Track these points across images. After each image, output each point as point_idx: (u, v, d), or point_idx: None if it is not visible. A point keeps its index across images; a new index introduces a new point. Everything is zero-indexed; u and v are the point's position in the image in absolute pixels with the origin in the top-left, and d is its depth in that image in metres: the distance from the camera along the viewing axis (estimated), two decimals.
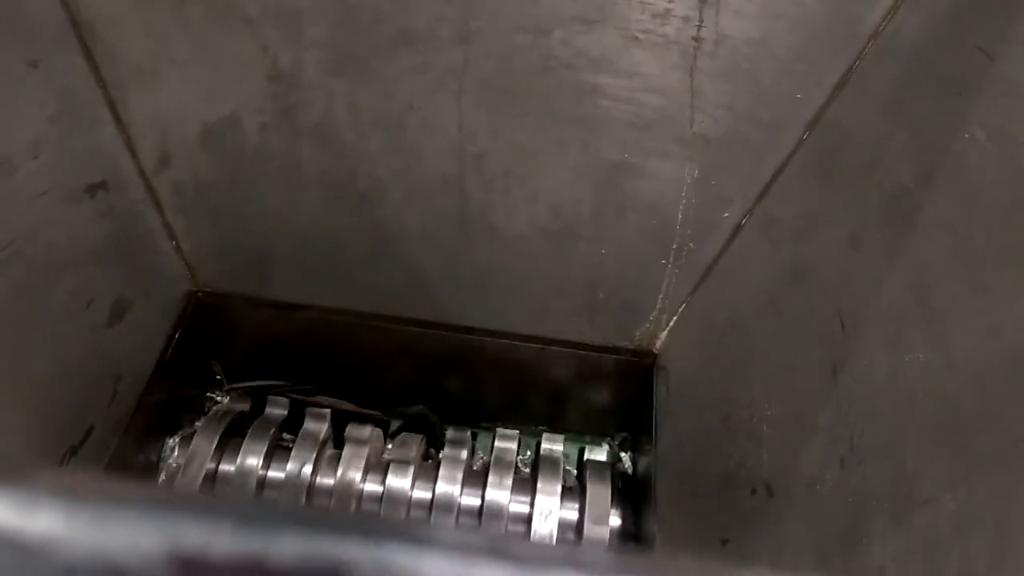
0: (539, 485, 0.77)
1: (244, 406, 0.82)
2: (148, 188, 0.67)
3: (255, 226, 0.71)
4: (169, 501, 0.18)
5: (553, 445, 0.82)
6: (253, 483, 0.75)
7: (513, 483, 0.77)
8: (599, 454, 0.83)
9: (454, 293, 0.75)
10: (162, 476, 0.77)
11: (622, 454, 0.85)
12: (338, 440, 0.79)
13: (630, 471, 0.83)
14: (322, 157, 0.65)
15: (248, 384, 0.83)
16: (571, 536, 0.76)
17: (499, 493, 0.76)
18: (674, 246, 0.67)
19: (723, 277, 0.68)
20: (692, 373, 0.75)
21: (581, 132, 0.60)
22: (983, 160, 0.43)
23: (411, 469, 0.76)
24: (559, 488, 0.77)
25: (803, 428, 0.59)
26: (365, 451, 0.77)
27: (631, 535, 0.76)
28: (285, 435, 0.81)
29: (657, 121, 0.58)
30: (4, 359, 0.58)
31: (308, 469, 0.75)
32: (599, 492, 0.77)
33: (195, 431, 0.78)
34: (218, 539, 0.17)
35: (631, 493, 0.80)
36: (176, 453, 0.77)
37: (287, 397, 0.82)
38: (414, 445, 0.79)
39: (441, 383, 0.84)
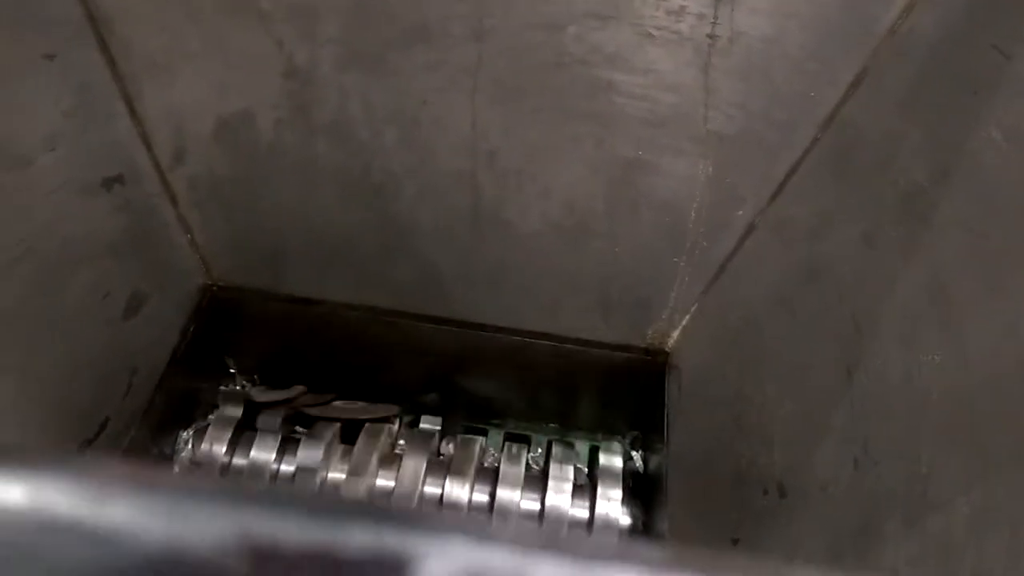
0: (550, 483, 0.77)
1: (258, 402, 0.82)
2: (163, 182, 0.68)
3: (269, 221, 0.71)
4: (240, 492, 0.18)
5: (564, 443, 0.82)
6: (266, 476, 0.76)
7: (524, 480, 0.77)
8: (611, 452, 0.83)
9: (467, 289, 0.75)
10: (176, 469, 0.77)
11: (633, 452, 0.85)
12: (348, 434, 0.80)
13: (641, 469, 0.83)
14: (336, 153, 0.65)
15: (264, 381, 0.83)
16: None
17: (510, 491, 0.76)
18: (687, 244, 0.67)
19: (736, 275, 0.68)
20: (704, 371, 0.75)
21: (595, 129, 0.60)
22: (999, 159, 0.43)
23: (423, 464, 0.76)
24: (570, 486, 0.77)
25: (816, 428, 0.59)
26: (376, 446, 0.77)
27: (642, 534, 0.76)
28: (298, 428, 0.81)
29: (671, 118, 0.58)
30: (20, 352, 0.58)
31: (319, 463, 0.76)
32: (610, 490, 0.77)
33: (208, 424, 0.78)
34: (288, 530, 0.17)
35: (642, 491, 0.80)
36: (190, 446, 0.78)
37: (298, 394, 0.83)
38: (424, 440, 0.79)
39: (453, 379, 0.85)
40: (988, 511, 0.40)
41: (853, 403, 0.55)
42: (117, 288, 0.67)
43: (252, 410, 0.81)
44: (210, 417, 0.80)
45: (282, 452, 0.77)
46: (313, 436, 0.77)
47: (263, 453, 0.76)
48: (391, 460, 0.78)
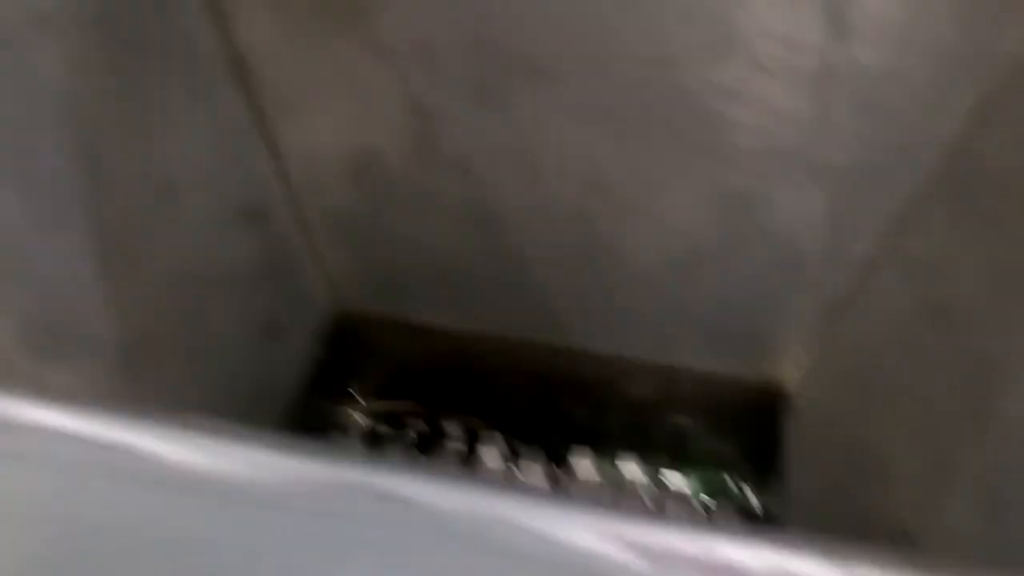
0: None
1: (382, 425, 0.85)
2: (297, 214, 0.72)
3: (393, 250, 0.75)
4: None
5: (676, 477, 0.81)
6: None
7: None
8: (723, 489, 0.81)
9: (578, 317, 0.76)
10: None
11: (746, 490, 0.83)
12: (466, 457, 0.82)
13: (755, 509, 0.81)
14: (455, 185, 0.68)
15: (385, 406, 0.86)
16: None
17: None
18: (803, 278, 0.66)
19: (856, 312, 0.66)
20: (823, 410, 0.73)
21: (709, 161, 0.61)
22: None
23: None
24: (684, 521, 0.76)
25: (946, 474, 0.56)
26: (494, 470, 0.79)
27: None
28: (421, 454, 0.84)
29: (786, 150, 0.58)
30: (172, 378, 0.63)
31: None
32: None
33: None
34: None
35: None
36: None
37: (420, 418, 0.85)
38: (540, 468, 0.80)
39: (563, 407, 0.85)
40: None
41: (986, 449, 0.52)
42: (256, 314, 0.72)
43: (373, 431, 0.84)
44: (336, 438, 0.83)
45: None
46: (435, 459, 0.79)
47: None
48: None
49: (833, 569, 0.20)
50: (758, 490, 0.82)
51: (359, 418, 0.86)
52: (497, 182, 0.67)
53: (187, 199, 0.61)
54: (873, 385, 0.66)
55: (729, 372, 0.77)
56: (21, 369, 0.52)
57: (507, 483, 0.78)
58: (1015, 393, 0.50)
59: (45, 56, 0.51)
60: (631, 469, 0.81)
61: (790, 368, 0.75)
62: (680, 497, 0.78)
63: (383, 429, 0.86)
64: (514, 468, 0.83)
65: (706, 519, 0.78)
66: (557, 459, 0.85)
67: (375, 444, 0.83)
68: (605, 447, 0.88)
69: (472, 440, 0.83)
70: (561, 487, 0.80)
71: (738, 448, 0.83)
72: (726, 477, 0.84)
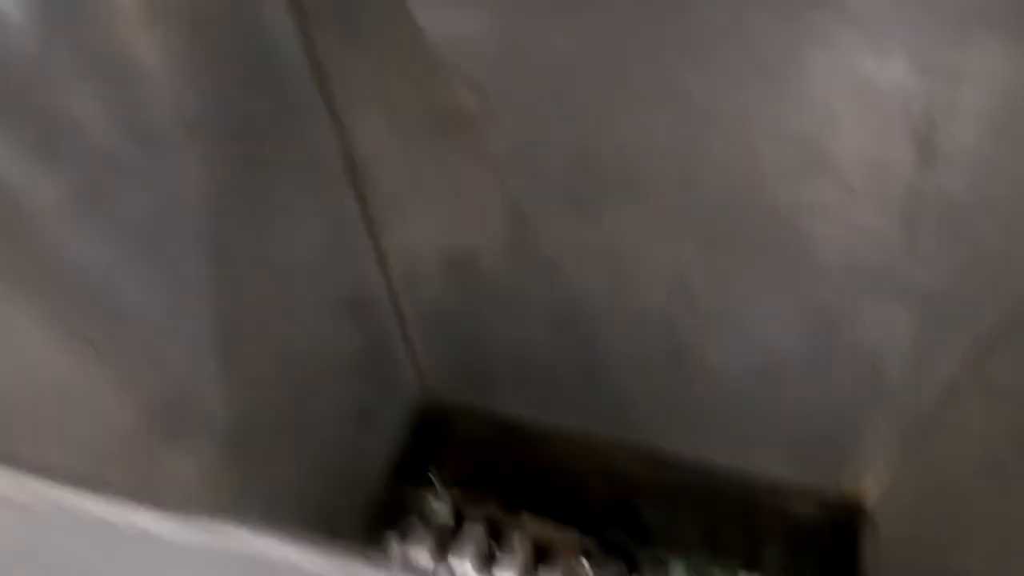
0: None
1: (459, 514, 0.87)
2: (395, 306, 0.76)
3: (482, 344, 0.78)
4: None
5: None
6: None
7: None
8: None
9: (661, 420, 0.78)
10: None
11: None
12: (538, 553, 0.82)
13: None
14: (546, 285, 0.71)
15: (464, 496, 0.88)
16: None
17: None
18: (887, 395, 0.66)
19: (939, 433, 0.66)
20: (903, 530, 0.72)
21: (795, 275, 0.62)
22: None
23: None
24: None
25: None
26: (565, 569, 0.79)
27: None
28: (492, 543, 0.85)
29: (873, 270, 0.59)
30: (273, 458, 0.66)
31: None
32: None
33: (413, 532, 0.84)
34: None
35: None
36: (398, 549, 0.84)
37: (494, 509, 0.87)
38: (613, 570, 0.80)
39: (639, 506, 0.86)
40: None
41: None
42: (351, 400, 0.75)
43: (453, 519, 0.86)
44: (415, 523, 0.85)
45: (480, 562, 0.81)
46: (508, 552, 0.80)
47: (463, 562, 0.80)
48: None
49: None
50: None
51: (438, 505, 0.88)
52: (586, 284, 0.70)
53: (299, 289, 0.65)
54: (955, 507, 0.65)
55: (808, 483, 0.77)
56: (142, 445, 0.55)
57: None
58: None
59: (189, 158, 0.57)
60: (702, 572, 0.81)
61: (870, 483, 0.75)
62: None
63: (460, 518, 0.87)
64: (587, 567, 0.83)
65: None
66: (630, 561, 0.85)
67: (451, 533, 0.85)
68: (680, 552, 0.87)
69: (546, 537, 0.84)
70: None
71: (814, 560, 0.82)
72: None
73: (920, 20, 0.48)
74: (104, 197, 0.51)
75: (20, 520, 0.26)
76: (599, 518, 0.87)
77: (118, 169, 0.52)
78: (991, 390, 0.60)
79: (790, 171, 0.58)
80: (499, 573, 0.79)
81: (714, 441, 0.77)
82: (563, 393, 0.79)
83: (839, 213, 0.58)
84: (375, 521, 0.82)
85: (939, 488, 0.67)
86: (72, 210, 0.49)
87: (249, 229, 0.61)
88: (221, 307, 0.59)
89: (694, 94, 0.57)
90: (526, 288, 0.72)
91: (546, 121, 0.62)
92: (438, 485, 0.90)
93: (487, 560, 0.81)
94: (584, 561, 0.84)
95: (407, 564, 0.80)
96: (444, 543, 0.83)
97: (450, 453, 0.88)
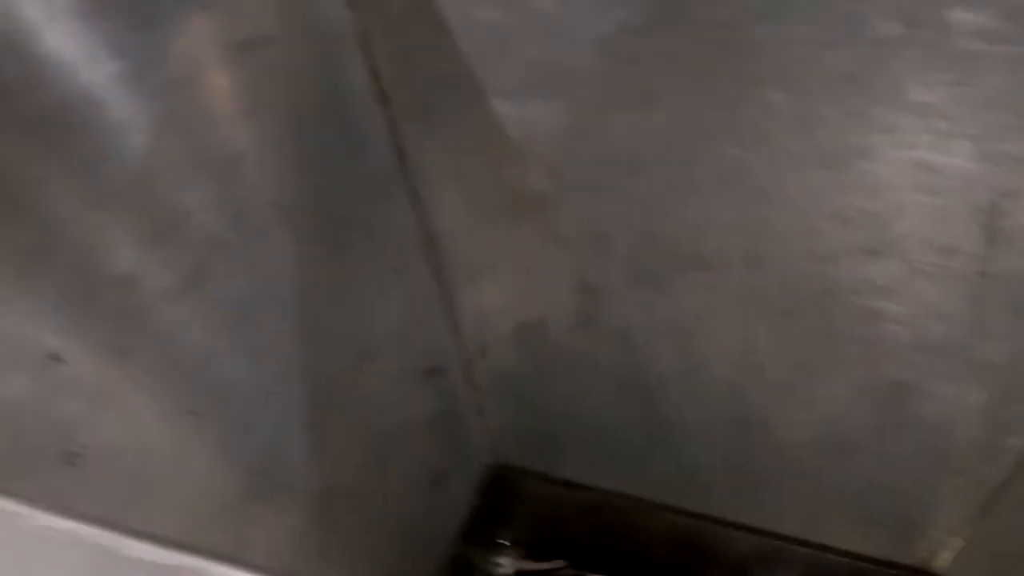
0: None
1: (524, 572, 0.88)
2: (467, 373, 0.79)
3: (551, 410, 0.80)
4: None
5: None
6: None
7: None
8: None
9: (727, 489, 0.79)
10: None
11: None
12: None
13: None
14: (615, 356, 0.73)
15: (532, 561, 0.89)
16: None
17: None
18: (957, 467, 0.66)
19: (1012, 505, 0.66)
20: None
21: (862, 351, 0.64)
22: None
23: None
24: None
25: None
26: None
27: None
28: None
29: (940, 346, 0.60)
30: (353, 521, 0.69)
31: None
32: None
33: None
34: None
35: None
36: None
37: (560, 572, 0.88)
38: None
39: (705, 574, 0.86)
40: None
41: None
42: (426, 465, 0.78)
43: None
44: None
45: None
46: None
47: None
48: None
49: None
50: None
51: (506, 567, 0.90)
52: (653, 354, 0.72)
53: (379, 359, 0.68)
54: None
55: (878, 554, 0.77)
56: (237, 508, 0.59)
57: None
58: None
59: (282, 239, 0.61)
60: None
61: (940, 554, 0.74)
62: None
63: None
64: None
65: None
66: None
67: None
68: None
69: None
70: None
71: None
72: None
73: (983, 113, 0.50)
74: (209, 278, 0.55)
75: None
76: None
77: (222, 251, 0.56)
78: None
79: (854, 251, 0.59)
80: None
81: (781, 511, 0.78)
82: (630, 459, 0.81)
83: (905, 292, 0.59)
84: None
85: (1010, 558, 0.67)
86: (182, 291, 0.53)
87: (335, 303, 0.65)
88: (308, 377, 0.63)
89: (758, 177, 0.59)
90: (594, 357, 0.75)
91: (614, 201, 0.65)
92: (506, 547, 0.91)
93: None
94: None
95: None
96: None
97: (518, 516, 0.89)
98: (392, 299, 0.70)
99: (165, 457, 0.54)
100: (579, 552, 0.90)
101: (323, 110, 0.63)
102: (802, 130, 0.56)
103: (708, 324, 0.68)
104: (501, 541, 0.91)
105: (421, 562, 0.80)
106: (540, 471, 0.86)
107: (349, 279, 0.66)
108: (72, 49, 0.47)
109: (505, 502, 0.88)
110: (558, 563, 0.89)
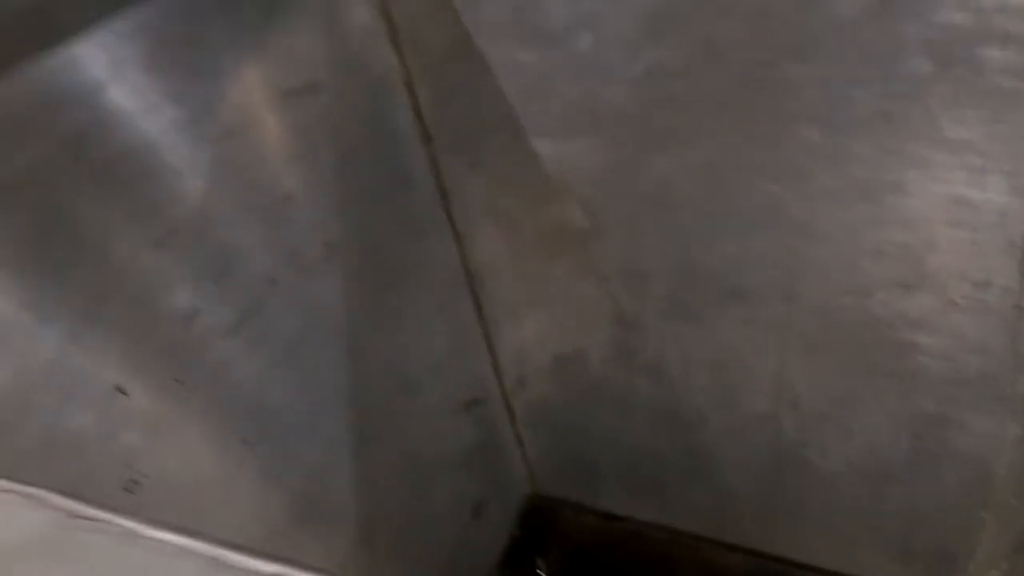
0: None
1: None
2: (507, 405, 0.81)
3: (588, 442, 0.81)
4: None
5: None
6: None
7: None
8: None
9: (764, 520, 0.79)
10: None
11: None
12: None
13: None
14: (652, 388, 0.75)
15: None
16: None
17: None
18: (994, 499, 0.66)
19: None
20: None
21: (898, 384, 0.64)
22: None
23: None
24: None
25: None
26: None
27: None
28: None
29: (976, 379, 0.61)
30: (395, 549, 0.70)
31: None
32: None
33: None
34: None
35: None
36: None
37: None
38: None
39: None
40: None
41: None
42: (466, 494, 0.79)
43: None
44: None
45: None
46: None
47: None
48: None
49: None
50: None
51: None
52: (690, 387, 0.73)
53: (421, 390, 0.70)
54: None
55: None
56: (284, 533, 0.60)
57: None
58: None
59: (330, 276, 0.63)
60: None
61: None
62: None
63: None
64: None
65: None
66: None
67: None
68: None
69: None
70: None
71: None
72: None
73: (1016, 148, 0.51)
74: (261, 314, 0.57)
75: None
76: None
77: (274, 288, 0.58)
78: None
79: (890, 285, 0.60)
80: None
81: (818, 543, 0.78)
82: (666, 491, 0.81)
83: (940, 325, 0.60)
84: None
85: None
86: (236, 326, 0.56)
87: (379, 337, 0.67)
88: (354, 410, 0.65)
89: (793, 212, 0.61)
90: (631, 390, 0.76)
91: (652, 238, 0.66)
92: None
93: None
94: None
95: None
96: None
97: (556, 546, 0.90)
98: (434, 332, 0.72)
99: (217, 484, 0.56)
100: None
101: (369, 151, 0.66)
102: (837, 166, 0.57)
103: (745, 357, 0.69)
104: (539, 571, 0.92)
105: None
106: (578, 502, 0.87)
107: (392, 314, 0.68)
108: (135, 99, 0.50)
109: (543, 532, 0.89)
110: None
